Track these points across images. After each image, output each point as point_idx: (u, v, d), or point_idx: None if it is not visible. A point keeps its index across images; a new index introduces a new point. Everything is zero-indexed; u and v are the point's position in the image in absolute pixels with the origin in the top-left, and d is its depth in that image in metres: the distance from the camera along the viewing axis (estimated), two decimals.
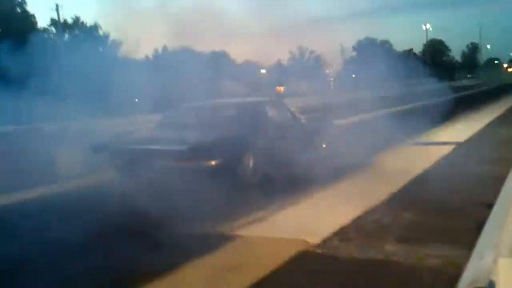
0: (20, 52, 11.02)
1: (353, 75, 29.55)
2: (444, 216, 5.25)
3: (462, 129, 13.05)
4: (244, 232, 5.05)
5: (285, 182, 6.90)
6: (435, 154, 9.18)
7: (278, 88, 29.99)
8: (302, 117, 9.14)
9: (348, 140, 9.99)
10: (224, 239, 4.82)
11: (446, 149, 9.66)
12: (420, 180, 7.08)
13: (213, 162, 6.45)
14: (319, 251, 4.40)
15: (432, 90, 21.16)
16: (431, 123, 12.92)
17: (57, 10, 17.78)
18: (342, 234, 4.80)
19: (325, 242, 4.59)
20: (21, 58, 10.21)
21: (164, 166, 6.43)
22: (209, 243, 4.71)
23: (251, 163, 7.14)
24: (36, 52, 11.17)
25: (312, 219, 5.37)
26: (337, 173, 7.50)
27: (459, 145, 10.28)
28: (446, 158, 8.96)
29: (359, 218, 5.28)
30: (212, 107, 8.41)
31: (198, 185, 6.11)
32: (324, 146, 9.30)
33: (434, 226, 4.92)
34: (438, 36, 54.63)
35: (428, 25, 49.73)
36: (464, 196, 5.86)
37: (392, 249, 4.35)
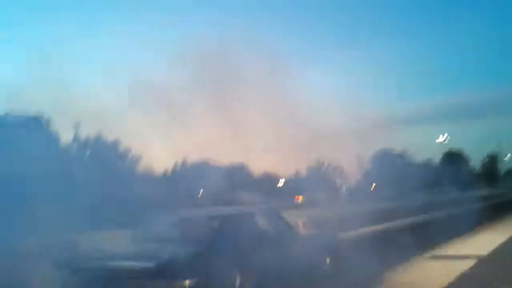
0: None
1: (373, 186, 29.30)
2: None
3: (485, 241, 11.85)
4: None
5: None
6: (454, 270, 8.04)
7: (296, 197, 30.25)
8: (308, 228, 8.32)
9: (357, 254, 8.92)
10: None
11: (467, 264, 8.52)
12: None
13: (186, 282, 5.51)
14: None
15: (451, 200, 20.15)
16: (450, 235, 11.81)
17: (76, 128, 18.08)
18: None
19: None
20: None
21: (130, 286, 5.52)
22: None
23: (236, 283, 6.17)
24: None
25: None
26: None
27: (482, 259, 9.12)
28: (468, 274, 7.81)
29: None
30: (192, 218, 7.58)
31: None
32: (328, 260, 8.27)
33: None
34: (456, 145, 54.19)
35: (445, 136, 49.22)
36: None
37: None
